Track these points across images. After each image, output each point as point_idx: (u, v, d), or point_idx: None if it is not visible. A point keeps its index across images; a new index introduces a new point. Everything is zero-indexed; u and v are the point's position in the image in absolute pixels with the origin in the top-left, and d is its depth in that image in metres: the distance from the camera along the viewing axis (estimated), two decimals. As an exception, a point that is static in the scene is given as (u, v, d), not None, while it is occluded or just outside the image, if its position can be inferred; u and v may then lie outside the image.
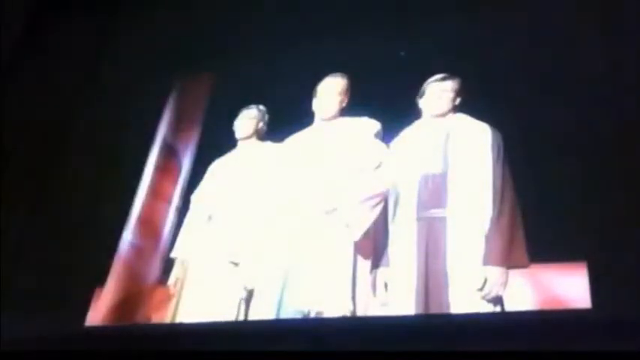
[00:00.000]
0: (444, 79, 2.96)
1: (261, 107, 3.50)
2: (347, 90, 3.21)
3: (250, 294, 2.95)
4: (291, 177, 3.10)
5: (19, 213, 3.68)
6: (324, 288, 2.75)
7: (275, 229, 3.00)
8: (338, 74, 3.24)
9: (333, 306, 2.71)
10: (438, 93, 2.95)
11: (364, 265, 2.81)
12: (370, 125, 3.06)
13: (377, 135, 3.03)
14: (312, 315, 2.73)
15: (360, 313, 2.73)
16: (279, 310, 2.80)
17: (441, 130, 2.89)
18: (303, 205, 2.97)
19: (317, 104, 3.23)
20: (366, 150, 3.00)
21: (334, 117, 3.18)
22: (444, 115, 2.93)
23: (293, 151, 3.22)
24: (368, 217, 2.84)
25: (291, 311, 2.78)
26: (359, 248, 2.81)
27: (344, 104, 3.19)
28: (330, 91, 3.21)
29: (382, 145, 3.01)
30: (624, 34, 2.82)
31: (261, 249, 3.00)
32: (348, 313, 2.70)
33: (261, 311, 2.86)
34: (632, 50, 2.76)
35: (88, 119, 4.02)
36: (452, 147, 2.82)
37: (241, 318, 2.93)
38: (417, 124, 2.98)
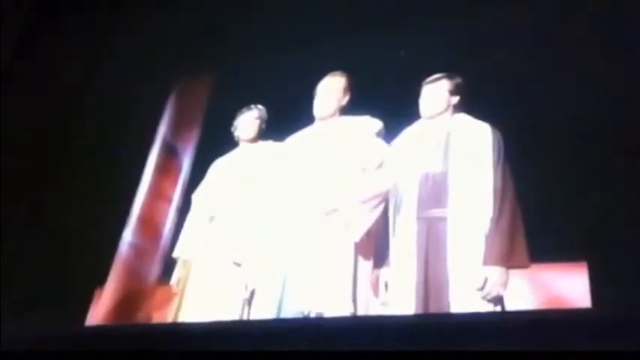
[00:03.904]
0: (437, 79, 2.98)
1: (260, 107, 3.51)
2: (346, 88, 3.21)
3: (253, 294, 2.95)
4: (292, 177, 3.11)
5: (19, 213, 3.68)
6: (324, 289, 2.75)
7: (276, 229, 3.01)
8: (337, 72, 3.25)
9: (334, 307, 2.71)
10: (432, 94, 2.97)
11: (365, 265, 2.80)
12: (371, 124, 3.05)
13: (378, 134, 3.03)
14: (313, 316, 2.73)
15: (360, 314, 2.73)
16: (279, 311, 2.80)
17: (442, 130, 2.89)
18: (303, 205, 2.97)
19: (316, 103, 3.23)
20: (367, 149, 3.00)
21: (333, 115, 3.18)
22: (441, 114, 2.93)
23: (294, 150, 3.22)
24: (368, 217, 2.84)
25: (291, 312, 2.78)
26: (359, 249, 2.81)
27: (344, 103, 3.19)
28: (329, 89, 3.22)
29: (384, 144, 3.00)
30: (624, 34, 2.82)
31: (263, 250, 3.00)
32: (348, 315, 2.70)
33: (262, 312, 2.87)
34: (632, 50, 2.76)
35: (88, 119, 4.02)
36: (452, 146, 2.82)
37: (244, 318, 2.93)
38: (417, 124, 2.98)
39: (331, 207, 2.89)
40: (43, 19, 4.62)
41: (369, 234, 2.82)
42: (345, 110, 3.19)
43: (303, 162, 3.12)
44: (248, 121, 3.50)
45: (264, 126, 3.47)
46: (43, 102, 4.17)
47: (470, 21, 3.22)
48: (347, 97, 3.20)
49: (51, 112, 4.09)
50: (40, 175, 3.83)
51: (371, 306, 2.73)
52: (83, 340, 3.06)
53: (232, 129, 3.51)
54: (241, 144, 3.47)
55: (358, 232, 2.81)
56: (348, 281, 2.74)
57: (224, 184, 3.36)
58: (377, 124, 3.04)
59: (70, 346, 2.93)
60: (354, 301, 2.72)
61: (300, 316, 2.74)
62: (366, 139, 3.03)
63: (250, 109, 3.52)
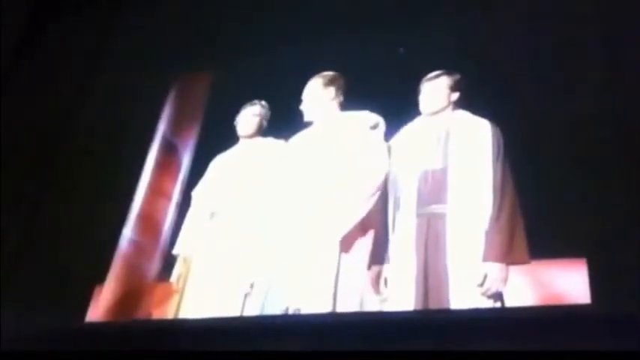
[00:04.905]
0: (437, 76, 2.99)
1: (264, 103, 3.50)
2: (332, 81, 3.22)
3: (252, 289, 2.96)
4: (292, 174, 3.11)
5: (19, 211, 3.68)
6: (306, 286, 2.75)
7: (274, 226, 3.01)
8: (315, 76, 3.27)
9: (312, 304, 2.72)
10: (433, 90, 2.97)
11: (352, 262, 2.78)
12: (369, 118, 3.04)
13: (375, 127, 3.01)
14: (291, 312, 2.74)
15: (340, 310, 2.71)
16: (262, 309, 2.83)
17: (442, 127, 2.90)
18: (301, 202, 2.98)
19: (304, 108, 3.23)
20: (364, 143, 2.99)
21: (327, 109, 3.19)
22: (441, 111, 2.94)
23: (294, 148, 3.23)
24: (356, 214, 2.83)
25: (272, 310, 2.79)
26: (345, 246, 2.80)
27: (334, 94, 3.19)
28: (311, 91, 3.25)
29: (380, 139, 2.99)
30: (624, 34, 2.83)
31: (262, 246, 3.01)
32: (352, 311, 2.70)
33: (251, 309, 2.89)
34: (632, 50, 2.77)
35: (88, 118, 4.03)
36: (452, 143, 2.82)
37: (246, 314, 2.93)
38: (417, 121, 2.99)
39: (323, 203, 2.90)
40: (43, 19, 4.63)
41: (363, 230, 2.82)
42: (346, 109, 3.19)
43: (303, 159, 3.13)
44: (247, 117, 3.50)
45: (265, 122, 3.46)
46: (43, 102, 4.17)
47: (470, 21, 3.23)
48: (333, 88, 3.20)
49: (51, 112, 4.09)
50: (40, 175, 3.83)
51: (368, 303, 2.71)
52: (83, 337, 3.06)
53: (235, 123, 3.51)
54: (241, 140, 3.47)
55: (342, 229, 2.81)
56: (330, 278, 2.73)
57: (224, 181, 3.36)
58: (375, 118, 3.03)
59: (70, 343, 2.94)
60: (335, 298, 2.71)
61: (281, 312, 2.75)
62: (363, 133, 3.02)
63: (253, 104, 3.52)
